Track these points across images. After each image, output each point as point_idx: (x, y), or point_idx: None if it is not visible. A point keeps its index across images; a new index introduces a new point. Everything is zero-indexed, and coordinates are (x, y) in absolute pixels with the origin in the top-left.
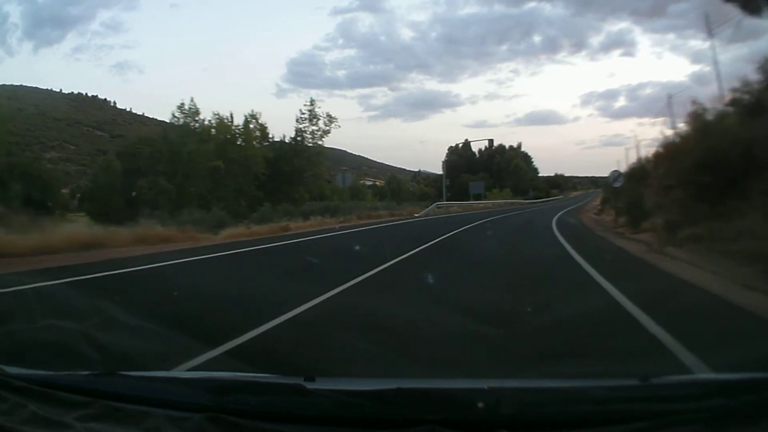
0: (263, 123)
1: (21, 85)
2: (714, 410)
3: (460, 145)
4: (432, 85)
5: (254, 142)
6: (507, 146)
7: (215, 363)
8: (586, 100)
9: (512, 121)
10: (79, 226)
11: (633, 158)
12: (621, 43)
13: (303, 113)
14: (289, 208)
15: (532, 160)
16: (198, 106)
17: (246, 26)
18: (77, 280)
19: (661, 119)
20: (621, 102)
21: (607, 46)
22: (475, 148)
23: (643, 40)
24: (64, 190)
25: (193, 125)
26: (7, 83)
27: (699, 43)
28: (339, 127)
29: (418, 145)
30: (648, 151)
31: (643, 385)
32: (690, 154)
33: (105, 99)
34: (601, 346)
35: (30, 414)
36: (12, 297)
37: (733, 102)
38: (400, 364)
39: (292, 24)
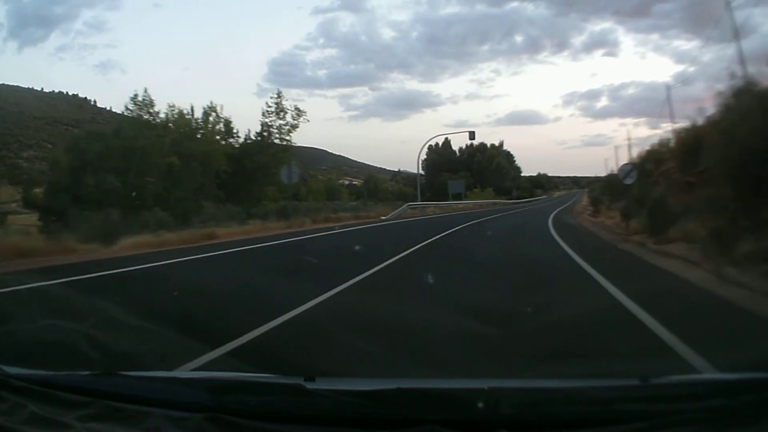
0: (227, 117)
1: (3, 84)
2: (714, 410)
3: (440, 143)
4: (413, 84)
5: (218, 137)
6: (488, 144)
7: None
8: (568, 100)
9: (493, 121)
10: None
11: (623, 157)
12: (604, 43)
13: (269, 106)
14: (234, 209)
15: (515, 159)
16: (152, 97)
17: (228, 26)
18: None
19: (643, 119)
20: (603, 102)
21: (590, 46)
22: (455, 146)
23: (627, 40)
24: (37, 190)
25: (148, 118)
26: None
27: (683, 43)
28: (308, 121)
29: (398, 145)
30: (640, 148)
31: (643, 385)
32: (740, 138)
33: (85, 98)
34: None
35: (30, 414)
36: None
37: None
38: None
39: (273, 24)
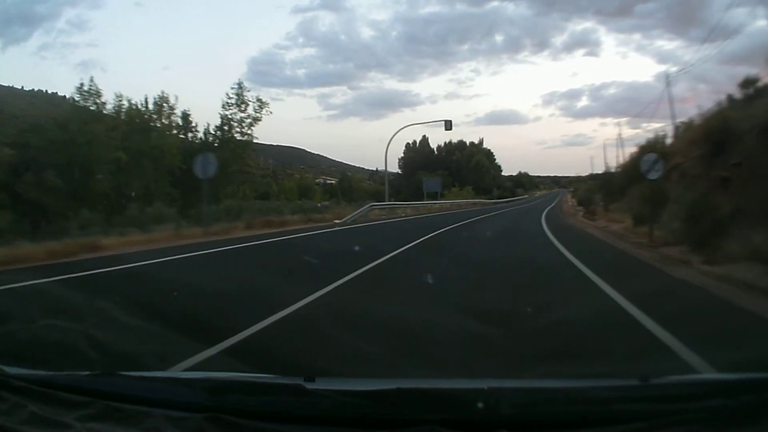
0: (186, 110)
1: None
2: (714, 410)
3: (418, 141)
4: (392, 84)
5: (176, 131)
6: (468, 142)
7: None
8: (548, 99)
9: (473, 120)
10: None
11: (612, 155)
12: (585, 43)
13: (230, 98)
14: (165, 211)
15: (495, 157)
16: (99, 87)
17: (208, 25)
18: None
19: (624, 119)
20: (584, 102)
21: (571, 46)
22: (434, 144)
23: (608, 40)
24: None
25: (94, 109)
26: None
27: (666, 43)
28: (271, 113)
29: (377, 144)
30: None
31: (643, 385)
32: None
33: (64, 96)
34: None
35: (30, 414)
36: None
37: None
38: None
39: (253, 23)
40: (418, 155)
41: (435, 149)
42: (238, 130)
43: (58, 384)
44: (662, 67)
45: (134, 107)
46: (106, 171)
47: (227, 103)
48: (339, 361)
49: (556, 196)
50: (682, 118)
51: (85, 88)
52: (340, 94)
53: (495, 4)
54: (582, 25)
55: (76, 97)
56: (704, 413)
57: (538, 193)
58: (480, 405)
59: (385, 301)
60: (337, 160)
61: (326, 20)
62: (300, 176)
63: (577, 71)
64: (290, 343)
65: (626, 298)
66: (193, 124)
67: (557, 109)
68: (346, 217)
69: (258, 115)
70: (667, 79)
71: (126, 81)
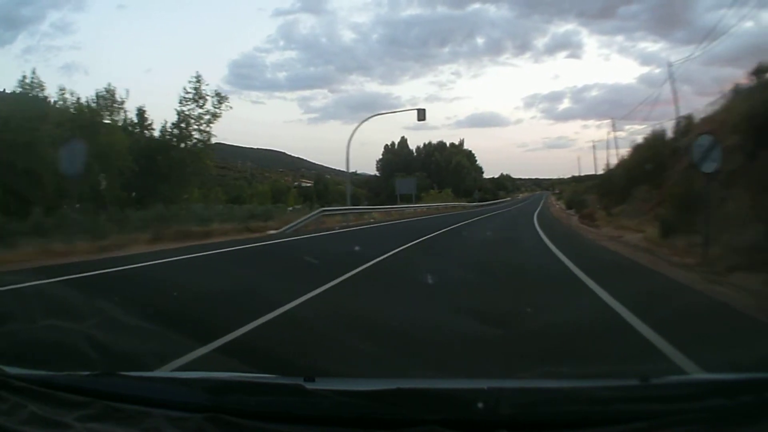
0: (141, 106)
1: None
2: (714, 410)
3: (396, 143)
4: (372, 87)
5: (131, 129)
6: (448, 143)
7: None
8: (530, 102)
9: (453, 123)
10: None
11: (601, 156)
12: (567, 45)
13: (187, 92)
14: (79, 217)
15: (476, 159)
16: (42, 80)
17: (190, 28)
18: None
19: (606, 120)
20: (565, 104)
21: (553, 48)
22: (413, 146)
23: (590, 42)
24: None
25: (34, 101)
26: None
27: (649, 45)
28: (230, 108)
29: (357, 147)
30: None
31: (643, 385)
32: None
33: (45, 98)
34: None
35: (30, 414)
36: None
37: None
38: None
39: (234, 26)
40: (396, 157)
41: (414, 150)
42: (195, 127)
43: (57, 384)
44: (645, 69)
45: (79, 102)
46: (51, 171)
47: (184, 98)
48: None
49: (540, 198)
50: (679, 117)
51: (27, 80)
52: (321, 97)
53: (476, 6)
54: (564, 27)
55: (17, 91)
56: (704, 413)
57: (521, 195)
58: (480, 405)
59: None
60: (317, 163)
61: (307, 23)
62: (275, 179)
63: (558, 73)
64: None
65: None
66: (149, 122)
67: (539, 111)
68: (287, 226)
69: (217, 111)
70: (670, 68)
71: (108, 84)
